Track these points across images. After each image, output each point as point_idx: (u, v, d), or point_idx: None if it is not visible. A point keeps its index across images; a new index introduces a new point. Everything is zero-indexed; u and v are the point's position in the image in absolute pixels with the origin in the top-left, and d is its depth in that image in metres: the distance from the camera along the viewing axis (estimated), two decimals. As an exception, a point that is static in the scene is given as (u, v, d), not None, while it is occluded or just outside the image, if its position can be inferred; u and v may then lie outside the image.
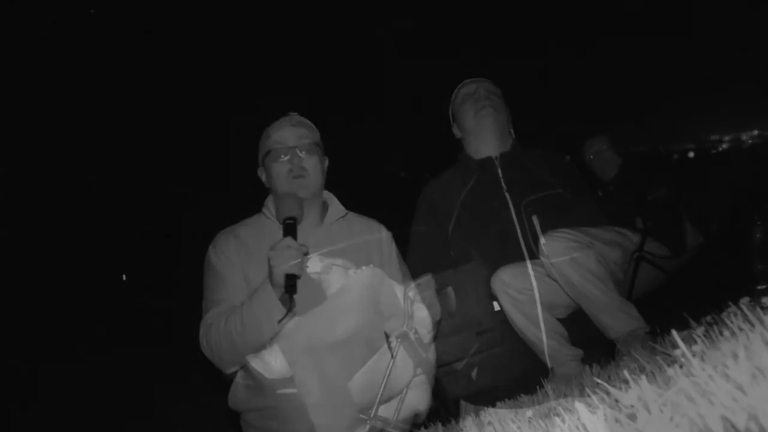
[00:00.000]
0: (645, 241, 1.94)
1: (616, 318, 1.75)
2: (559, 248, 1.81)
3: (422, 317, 2.02)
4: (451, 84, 2.11)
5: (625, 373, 0.90)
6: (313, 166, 1.61)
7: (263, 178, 1.73)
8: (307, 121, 1.71)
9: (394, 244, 1.82)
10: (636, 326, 1.73)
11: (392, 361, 1.85)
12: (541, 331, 1.93)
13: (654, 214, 1.98)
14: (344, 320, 1.79)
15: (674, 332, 0.86)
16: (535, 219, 1.84)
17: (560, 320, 2.02)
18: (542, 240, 1.87)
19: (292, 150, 1.59)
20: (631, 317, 1.74)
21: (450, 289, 2.22)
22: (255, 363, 1.67)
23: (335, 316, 1.80)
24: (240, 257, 1.59)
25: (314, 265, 2.34)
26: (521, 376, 2.87)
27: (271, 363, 1.70)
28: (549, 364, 1.93)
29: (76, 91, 9.26)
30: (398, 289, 2.13)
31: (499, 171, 1.96)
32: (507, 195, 1.91)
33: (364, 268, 2.02)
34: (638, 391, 0.66)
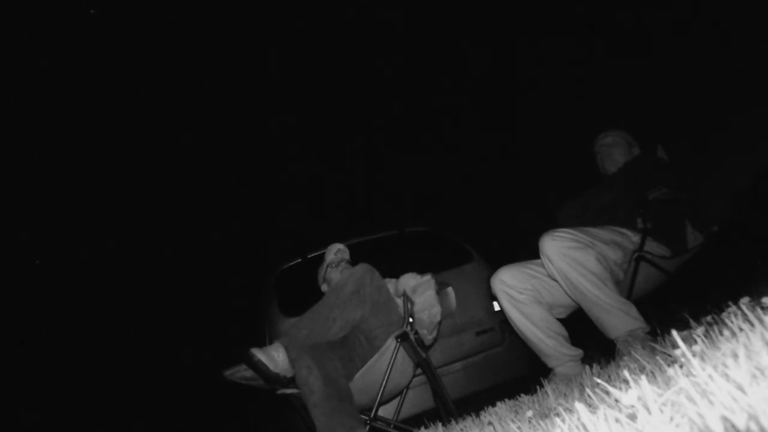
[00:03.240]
0: (645, 241, 1.94)
1: (616, 318, 1.74)
2: (559, 248, 1.81)
3: (423, 318, 2.02)
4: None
5: (625, 373, 0.90)
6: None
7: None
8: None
9: None
10: (636, 326, 1.72)
11: (392, 361, 1.85)
12: (541, 331, 1.93)
13: (654, 214, 1.97)
14: (340, 316, 1.80)
15: (674, 332, 0.86)
16: None
17: (560, 320, 2.02)
18: (542, 239, 1.87)
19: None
20: (631, 317, 1.74)
21: (450, 289, 2.22)
22: (261, 356, 1.67)
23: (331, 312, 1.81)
24: None
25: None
26: (521, 376, 2.89)
27: (275, 357, 1.70)
28: (549, 365, 1.93)
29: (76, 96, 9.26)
30: (392, 286, 2.15)
31: None
32: None
33: (361, 263, 2.03)
34: (638, 391, 0.66)
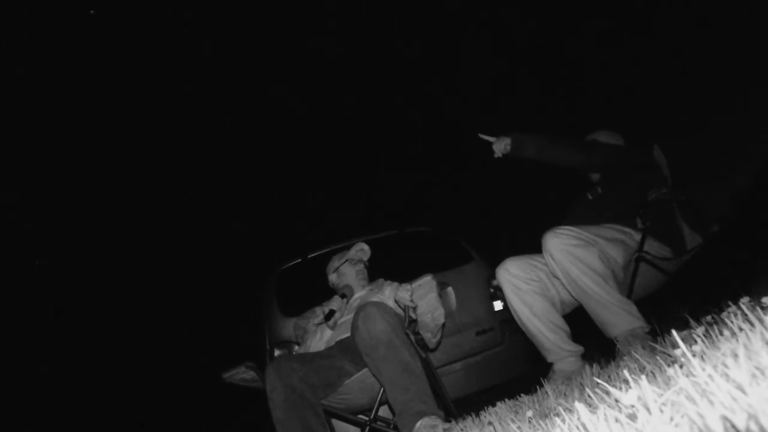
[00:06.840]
0: (645, 241, 1.93)
1: (617, 316, 1.73)
2: (561, 245, 1.80)
3: (426, 321, 2.01)
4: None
5: (625, 373, 0.90)
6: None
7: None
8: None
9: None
10: (637, 325, 1.71)
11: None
12: (542, 324, 1.91)
13: (652, 214, 1.97)
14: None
15: (674, 332, 0.86)
16: None
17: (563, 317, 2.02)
18: (545, 236, 1.86)
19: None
20: (632, 315, 1.73)
21: (450, 289, 2.22)
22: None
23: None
24: None
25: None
26: (521, 376, 2.88)
27: None
28: (548, 359, 1.92)
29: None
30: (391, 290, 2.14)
31: None
32: None
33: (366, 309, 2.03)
34: (638, 391, 0.66)
